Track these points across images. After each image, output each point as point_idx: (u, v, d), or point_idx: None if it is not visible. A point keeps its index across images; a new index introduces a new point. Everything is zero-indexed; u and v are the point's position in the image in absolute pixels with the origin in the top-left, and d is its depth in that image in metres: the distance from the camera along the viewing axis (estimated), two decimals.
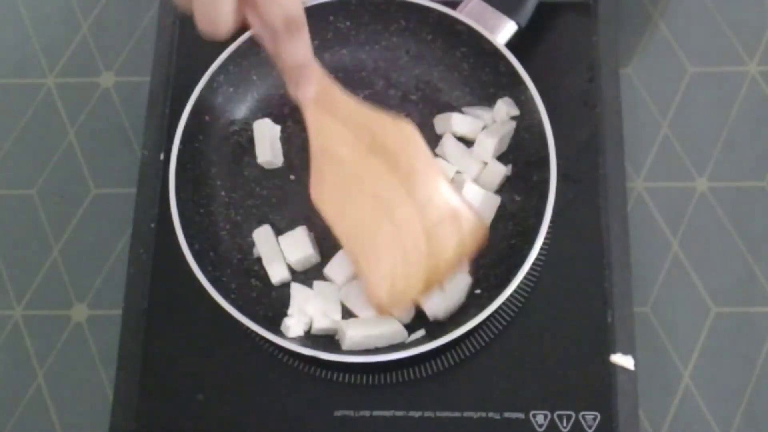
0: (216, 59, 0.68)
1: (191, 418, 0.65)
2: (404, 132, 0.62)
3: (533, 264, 0.62)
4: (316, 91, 0.61)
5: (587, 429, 0.63)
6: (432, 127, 0.71)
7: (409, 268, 0.62)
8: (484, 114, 0.70)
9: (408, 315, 0.65)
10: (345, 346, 0.63)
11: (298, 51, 0.58)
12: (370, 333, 0.63)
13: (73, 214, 0.73)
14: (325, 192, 0.62)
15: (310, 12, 0.69)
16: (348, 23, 0.71)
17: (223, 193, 0.70)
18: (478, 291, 0.65)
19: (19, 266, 0.72)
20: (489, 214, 0.67)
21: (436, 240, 0.62)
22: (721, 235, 0.71)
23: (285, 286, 0.67)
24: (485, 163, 0.69)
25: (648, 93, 0.75)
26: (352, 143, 0.62)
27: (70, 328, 0.70)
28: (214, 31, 0.53)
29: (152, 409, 0.65)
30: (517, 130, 0.69)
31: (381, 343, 0.63)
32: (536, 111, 0.66)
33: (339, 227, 0.62)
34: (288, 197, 0.70)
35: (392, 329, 0.64)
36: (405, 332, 0.64)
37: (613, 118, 0.71)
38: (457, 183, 0.68)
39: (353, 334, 0.63)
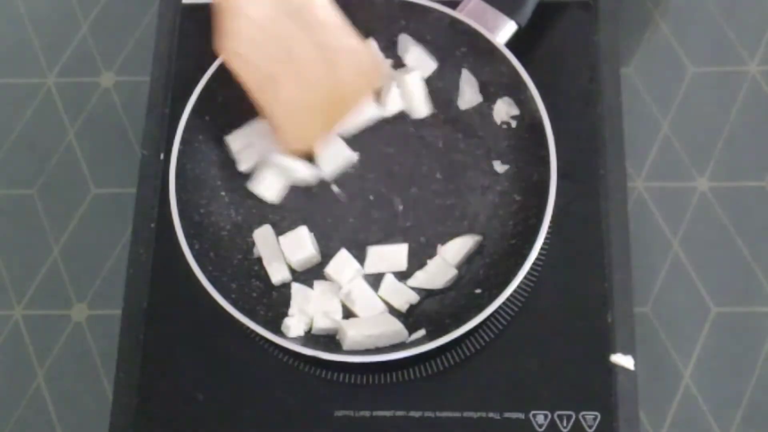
0: (216, 59, 0.68)
1: (191, 418, 0.65)
2: None
3: (533, 264, 0.62)
4: None
5: (587, 429, 0.63)
6: None
7: (313, 99, 0.67)
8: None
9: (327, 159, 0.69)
10: (346, 346, 0.63)
11: None
12: (371, 333, 0.63)
13: (73, 214, 0.73)
14: (237, 46, 0.65)
15: None
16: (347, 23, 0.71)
17: (223, 193, 0.70)
18: (478, 291, 0.65)
19: (19, 266, 0.72)
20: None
21: (337, 69, 0.67)
22: (721, 235, 0.70)
23: (285, 287, 0.67)
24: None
25: (648, 93, 0.75)
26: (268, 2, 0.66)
27: (70, 328, 0.70)
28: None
29: (152, 409, 0.65)
30: (517, 130, 0.69)
31: (382, 343, 0.63)
32: (536, 110, 0.66)
33: (249, 80, 0.66)
34: (287, 196, 0.70)
35: (393, 329, 0.64)
36: (406, 332, 0.64)
37: (614, 118, 0.71)
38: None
39: (354, 333, 0.63)
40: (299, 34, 0.66)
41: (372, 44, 0.72)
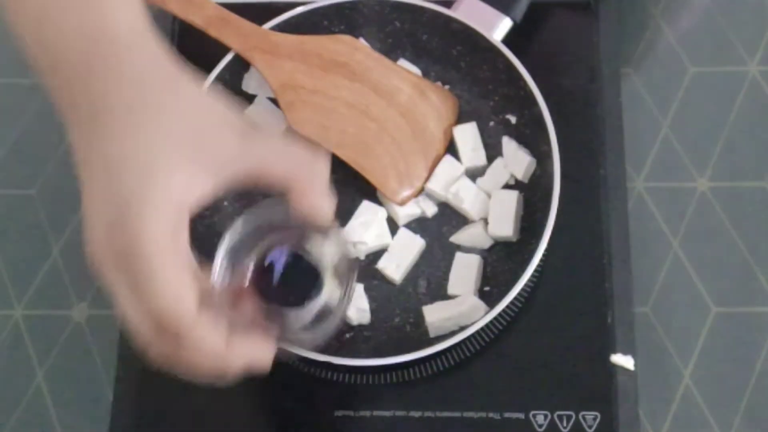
0: (211, 71, 0.68)
1: (191, 418, 0.65)
2: (345, 43, 0.69)
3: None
4: (249, 41, 0.68)
5: (587, 429, 0.63)
6: None
7: (403, 150, 0.67)
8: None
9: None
10: (432, 334, 0.63)
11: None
12: (449, 315, 0.63)
13: (73, 214, 0.73)
14: (301, 118, 0.67)
15: (305, 17, 0.70)
16: (342, 27, 0.71)
17: (225, 203, 0.69)
18: (487, 288, 0.65)
19: (19, 266, 0.72)
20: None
21: (414, 117, 0.68)
22: (721, 235, 0.70)
23: None
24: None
25: (648, 93, 0.75)
26: (305, 70, 0.68)
27: (70, 328, 0.70)
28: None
29: (152, 409, 0.65)
30: (517, 127, 0.70)
31: (463, 322, 0.62)
32: (536, 104, 0.66)
33: (328, 143, 0.66)
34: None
35: (470, 305, 0.63)
36: (483, 306, 0.63)
37: (614, 118, 0.71)
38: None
39: (433, 320, 0.63)
40: (352, 86, 0.68)
41: (361, 41, 0.71)
